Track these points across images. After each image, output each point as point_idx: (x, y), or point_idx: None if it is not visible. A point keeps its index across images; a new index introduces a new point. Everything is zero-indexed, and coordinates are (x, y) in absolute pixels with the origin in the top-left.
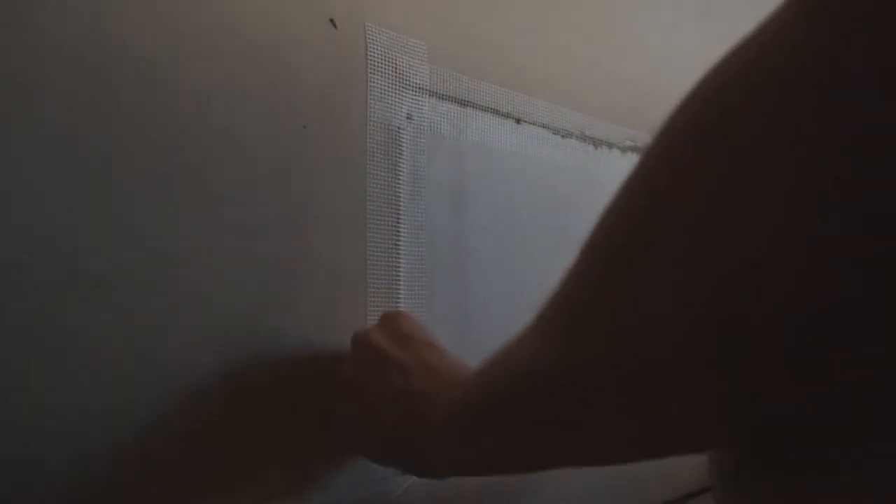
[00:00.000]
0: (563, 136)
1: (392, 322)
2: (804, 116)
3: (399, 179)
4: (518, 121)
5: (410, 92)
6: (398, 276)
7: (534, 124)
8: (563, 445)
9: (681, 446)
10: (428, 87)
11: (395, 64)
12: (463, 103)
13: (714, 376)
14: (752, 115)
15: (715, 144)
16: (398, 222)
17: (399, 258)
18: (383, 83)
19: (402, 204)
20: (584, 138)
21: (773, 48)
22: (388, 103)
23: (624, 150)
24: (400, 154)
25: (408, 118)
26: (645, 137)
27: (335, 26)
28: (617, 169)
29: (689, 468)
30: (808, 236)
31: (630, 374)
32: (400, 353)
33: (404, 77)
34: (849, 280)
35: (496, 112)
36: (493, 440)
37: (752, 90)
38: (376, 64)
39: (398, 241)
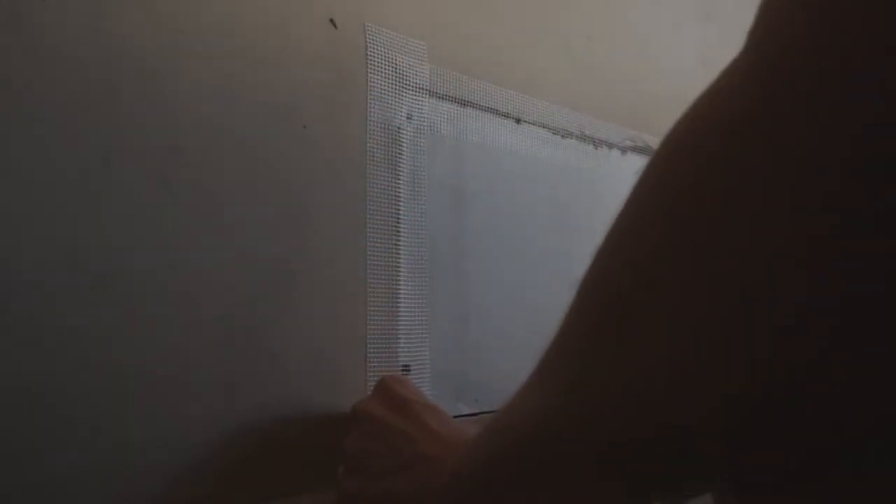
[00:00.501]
0: (563, 136)
1: (389, 389)
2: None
3: (399, 179)
4: (518, 121)
5: (410, 92)
6: (398, 276)
7: (534, 124)
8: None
9: (682, 495)
10: (428, 87)
11: (395, 64)
12: (463, 103)
13: (716, 433)
14: (738, 158)
15: (708, 189)
16: (398, 222)
17: (399, 258)
18: (383, 83)
19: (402, 204)
20: (584, 138)
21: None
22: (388, 103)
23: (624, 150)
24: (400, 154)
25: (408, 118)
26: (645, 137)
27: (335, 26)
28: (617, 169)
29: None
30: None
31: (628, 432)
32: (402, 421)
33: (404, 77)
34: (852, 286)
35: (496, 112)
36: (499, 500)
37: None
38: (376, 64)
39: (398, 241)
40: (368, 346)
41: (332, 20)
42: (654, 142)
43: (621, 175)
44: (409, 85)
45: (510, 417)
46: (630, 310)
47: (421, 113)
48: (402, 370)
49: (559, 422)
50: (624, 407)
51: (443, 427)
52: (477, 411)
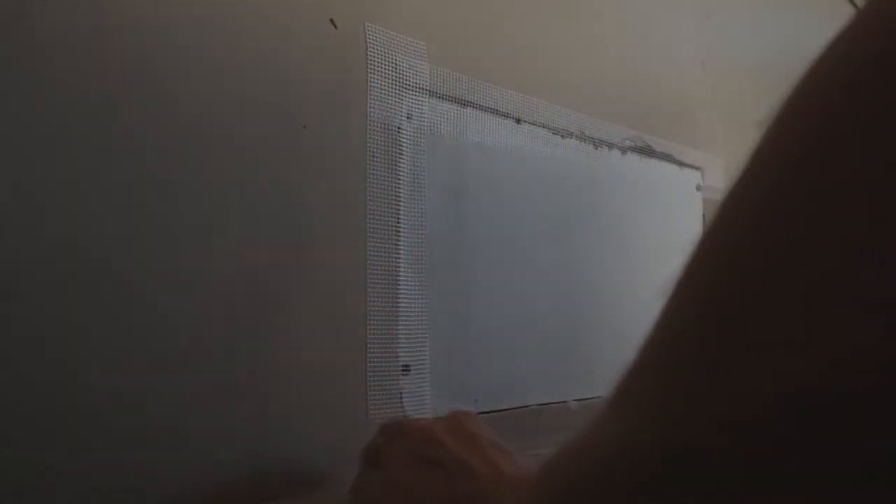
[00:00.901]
0: (563, 136)
1: (460, 422)
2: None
3: (399, 179)
4: (518, 121)
5: (410, 92)
6: (398, 276)
7: (534, 124)
8: None
9: None
10: (428, 87)
11: (395, 64)
12: (463, 103)
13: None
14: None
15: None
16: (398, 222)
17: (399, 258)
18: (383, 83)
19: (402, 204)
20: (583, 138)
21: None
22: (388, 103)
23: (624, 150)
24: (400, 154)
25: (408, 118)
26: (645, 137)
27: (335, 26)
28: (617, 169)
29: None
30: None
31: (705, 462)
32: (469, 456)
33: (404, 77)
34: None
35: (496, 112)
36: None
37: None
38: (376, 64)
39: (398, 241)
40: (368, 346)
41: (332, 20)
42: (655, 141)
43: (621, 175)
44: (409, 85)
45: (579, 442)
46: (705, 327)
47: (421, 113)
48: (402, 370)
49: (633, 441)
50: (704, 431)
51: (510, 467)
52: (477, 411)
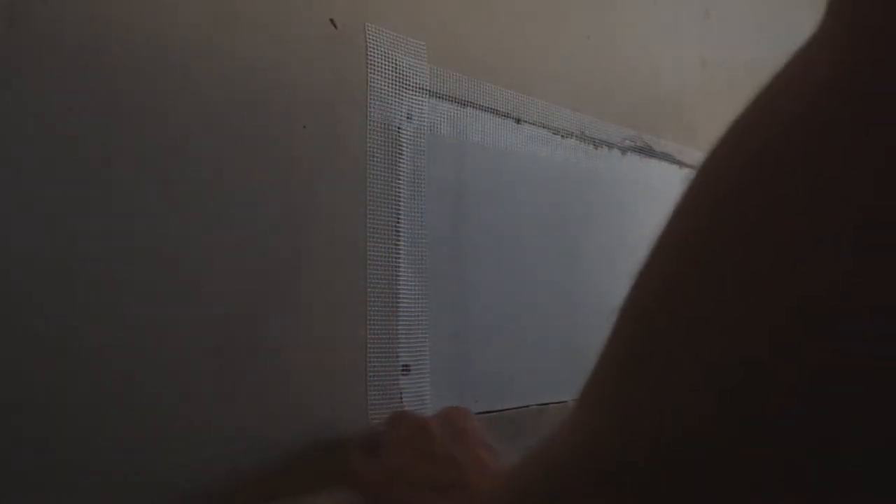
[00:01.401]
0: (563, 137)
1: (452, 414)
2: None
3: (399, 179)
4: (518, 121)
5: (410, 92)
6: (398, 276)
7: (534, 124)
8: None
9: None
10: (428, 87)
11: (395, 64)
12: (463, 103)
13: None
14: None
15: (730, 214)
16: (398, 222)
17: (399, 258)
18: (383, 83)
19: (402, 204)
20: (584, 138)
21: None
22: (388, 103)
23: (624, 150)
24: (400, 154)
25: (408, 118)
26: (645, 137)
27: (335, 26)
28: (617, 169)
29: None
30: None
31: (655, 459)
32: (456, 449)
33: (404, 77)
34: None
35: (496, 112)
36: None
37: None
38: (376, 64)
39: (398, 241)
40: (368, 346)
41: (332, 20)
42: (655, 141)
43: (621, 175)
44: (409, 85)
45: (545, 444)
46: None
47: (421, 113)
48: (402, 370)
49: (594, 439)
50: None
51: (493, 462)
52: (477, 412)
